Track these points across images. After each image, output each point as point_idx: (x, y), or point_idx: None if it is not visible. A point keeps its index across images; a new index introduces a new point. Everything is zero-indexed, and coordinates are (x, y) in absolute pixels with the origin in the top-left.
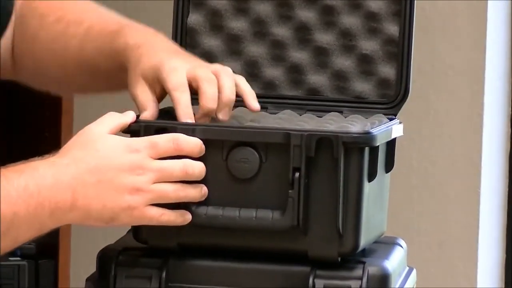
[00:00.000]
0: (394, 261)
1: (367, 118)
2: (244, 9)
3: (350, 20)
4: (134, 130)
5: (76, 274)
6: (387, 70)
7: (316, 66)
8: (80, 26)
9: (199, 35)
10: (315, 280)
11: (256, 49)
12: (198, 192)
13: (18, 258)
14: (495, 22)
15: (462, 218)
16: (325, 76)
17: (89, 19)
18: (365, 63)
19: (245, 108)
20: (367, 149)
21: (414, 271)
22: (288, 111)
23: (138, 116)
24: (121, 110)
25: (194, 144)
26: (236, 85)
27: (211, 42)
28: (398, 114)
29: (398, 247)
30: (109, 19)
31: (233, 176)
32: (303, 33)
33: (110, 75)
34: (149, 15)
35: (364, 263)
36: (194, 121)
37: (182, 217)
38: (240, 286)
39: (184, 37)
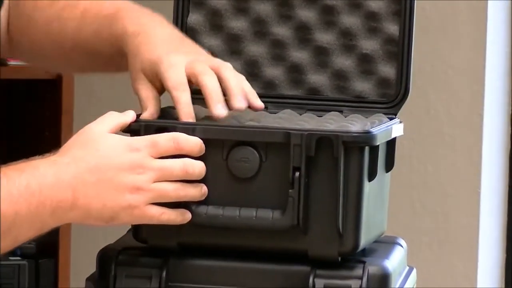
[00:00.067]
0: (394, 261)
1: (367, 118)
2: (244, 9)
3: (350, 20)
4: (134, 129)
5: (76, 273)
6: (387, 70)
7: (316, 65)
8: (75, 8)
9: (199, 34)
10: (315, 280)
11: (256, 49)
12: (198, 192)
13: (18, 258)
14: (495, 22)
15: (462, 218)
16: (325, 75)
17: (84, 2)
18: (365, 62)
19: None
20: (367, 149)
21: (414, 271)
22: (288, 111)
23: (138, 116)
24: (121, 110)
25: (194, 143)
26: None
27: (211, 41)
28: (398, 114)
29: (398, 247)
30: (104, 1)
31: (233, 176)
32: (303, 32)
33: (108, 59)
34: None
35: (364, 262)
36: (195, 121)
37: (182, 216)
38: (240, 285)
39: None
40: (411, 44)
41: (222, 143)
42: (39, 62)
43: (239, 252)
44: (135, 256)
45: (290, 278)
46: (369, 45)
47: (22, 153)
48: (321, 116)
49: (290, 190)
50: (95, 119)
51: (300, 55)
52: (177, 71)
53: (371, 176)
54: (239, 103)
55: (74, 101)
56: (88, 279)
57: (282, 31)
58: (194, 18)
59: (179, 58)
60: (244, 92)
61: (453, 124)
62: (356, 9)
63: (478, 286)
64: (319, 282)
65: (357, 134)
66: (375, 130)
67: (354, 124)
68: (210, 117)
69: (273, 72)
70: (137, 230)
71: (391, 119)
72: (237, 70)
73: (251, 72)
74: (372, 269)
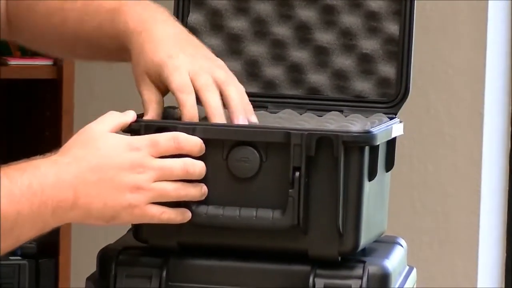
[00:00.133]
0: (394, 261)
1: (367, 117)
2: (244, 9)
3: (350, 20)
4: (134, 129)
5: (76, 273)
6: (387, 69)
7: (316, 65)
8: (76, 0)
9: (200, 34)
10: (316, 280)
11: (256, 49)
12: (198, 191)
13: (19, 257)
14: (495, 22)
15: (463, 217)
16: (325, 75)
17: None
18: (365, 62)
19: None
20: (367, 148)
21: (415, 271)
22: (288, 111)
23: (138, 116)
24: (121, 110)
25: (195, 143)
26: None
27: (212, 41)
28: (399, 113)
29: (398, 247)
30: None
31: (233, 176)
32: (303, 32)
33: (111, 51)
34: None
35: (364, 262)
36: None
37: (182, 216)
38: (241, 285)
39: None
40: (411, 44)
41: (222, 143)
42: (39, 48)
43: (239, 252)
44: (136, 256)
45: (290, 278)
46: (369, 44)
47: (23, 153)
48: (321, 116)
49: (290, 190)
50: (95, 119)
51: (300, 55)
52: (181, 74)
53: (371, 176)
54: (240, 122)
55: (74, 101)
56: (88, 279)
57: (282, 31)
58: (194, 17)
59: (183, 61)
60: (244, 110)
61: (453, 124)
62: (356, 8)
63: (478, 286)
64: (319, 282)
65: (357, 134)
66: (375, 130)
67: (354, 124)
68: None
69: (273, 72)
70: (137, 230)
71: (391, 118)
72: (237, 70)
73: (251, 72)
74: (372, 268)
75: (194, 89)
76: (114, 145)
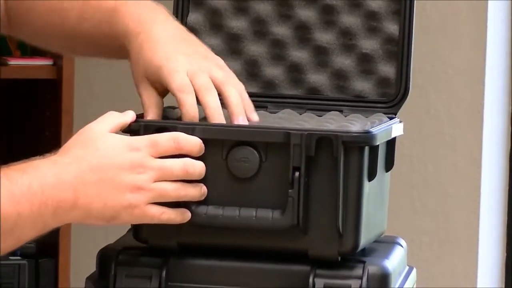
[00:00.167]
0: (394, 261)
1: (367, 117)
2: (244, 8)
3: (350, 19)
4: (134, 129)
5: (76, 273)
6: (387, 69)
7: (316, 65)
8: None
9: (199, 34)
10: (315, 280)
11: (256, 48)
12: (198, 191)
13: (18, 257)
14: (495, 22)
15: (463, 217)
16: (325, 75)
17: None
18: (365, 62)
19: None
20: (367, 148)
21: (414, 271)
22: (288, 110)
23: (138, 116)
24: (121, 110)
25: (194, 143)
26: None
27: (211, 41)
28: (398, 113)
29: (398, 247)
30: None
31: (233, 176)
32: (303, 32)
33: (110, 50)
34: None
35: (364, 262)
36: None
37: (182, 216)
38: (241, 285)
39: None
40: (411, 43)
41: (222, 143)
42: (39, 44)
43: (239, 252)
44: (135, 256)
45: (290, 278)
46: (369, 44)
47: (22, 153)
48: (321, 116)
49: (290, 190)
50: (95, 119)
51: (300, 55)
52: (180, 75)
53: (371, 176)
54: (239, 122)
55: (74, 101)
56: (88, 279)
57: (282, 30)
58: (194, 17)
59: (181, 62)
60: (243, 110)
61: (453, 124)
62: (356, 8)
63: (478, 286)
64: (319, 282)
65: (357, 134)
66: (375, 130)
67: (354, 124)
68: None
69: (273, 71)
70: (137, 230)
71: (391, 118)
72: (237, 70)
73: (251, 72)
74: (372, 269)
75: (192, 83)
76: (114, 145)
